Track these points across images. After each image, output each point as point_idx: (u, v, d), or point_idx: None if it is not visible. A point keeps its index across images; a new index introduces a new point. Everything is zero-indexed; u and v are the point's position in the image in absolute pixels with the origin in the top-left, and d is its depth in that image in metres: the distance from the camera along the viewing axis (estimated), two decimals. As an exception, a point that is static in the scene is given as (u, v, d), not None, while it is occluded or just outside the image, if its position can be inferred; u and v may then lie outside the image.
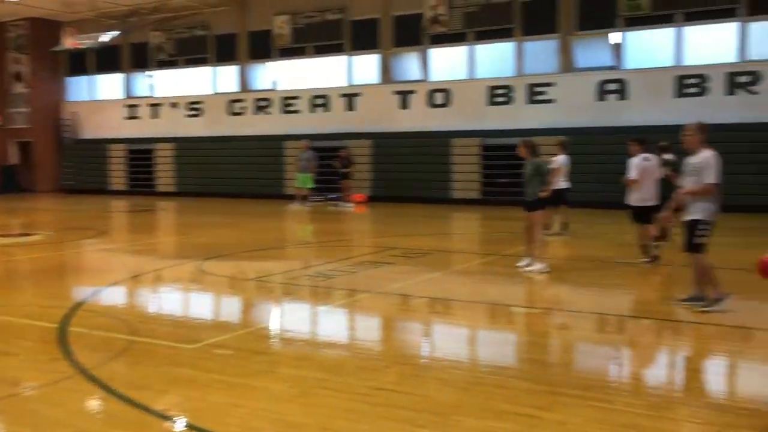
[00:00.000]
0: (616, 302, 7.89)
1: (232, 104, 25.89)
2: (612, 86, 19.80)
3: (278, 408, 4.35)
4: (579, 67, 20.35)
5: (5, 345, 5.92)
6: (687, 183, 7.02)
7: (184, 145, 26.47)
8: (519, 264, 9.65)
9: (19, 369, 5.14)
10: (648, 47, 19.79)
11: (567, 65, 20.51)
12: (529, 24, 20.96)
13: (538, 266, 9.35)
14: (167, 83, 27.65)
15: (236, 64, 25.88)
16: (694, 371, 5.51)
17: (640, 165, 9.79)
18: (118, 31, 24.28)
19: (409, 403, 4.42)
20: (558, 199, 13.32)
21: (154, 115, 27.49)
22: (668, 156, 11.48)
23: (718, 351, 5.98)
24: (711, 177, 6.78)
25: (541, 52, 21.02)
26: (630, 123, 19.02)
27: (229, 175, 25.21)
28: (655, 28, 19.60)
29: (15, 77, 29.73)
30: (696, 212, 6.90)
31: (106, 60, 28.07)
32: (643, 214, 9.80)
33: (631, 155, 10.02)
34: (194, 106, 26.76)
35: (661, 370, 5.55)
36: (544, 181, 9.66)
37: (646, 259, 9.91)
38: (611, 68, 19.96)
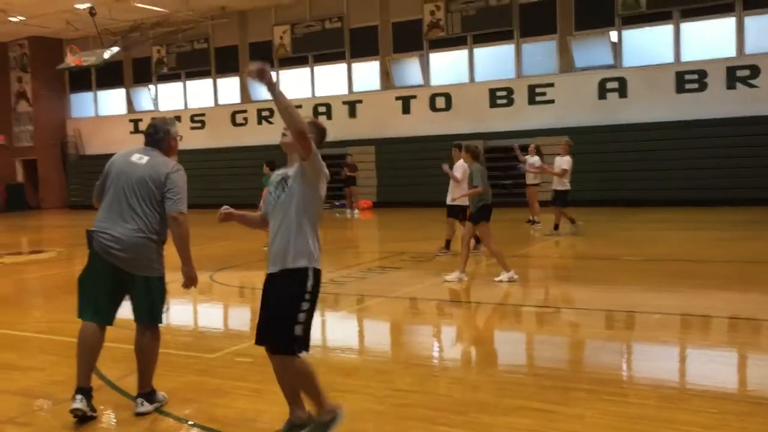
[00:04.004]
0: (625, 299, 8.01)
1: (235, 115, 26.10)
2: (612, 84, 19.95)
3: (301, 412, 4.47)
4: (578, 67, 20.50)
5: (29, 360, 6.07)
6: None
7: (188, 158, 26.54)
8: (497, 279, 8.85)
9: (47, 383, 5.27)
10: (646, 45, 19.95)
11: (566, 65, 20.67)
12: (527, 26, 21.15)
13: (506, 275, 8.77)
14: (169, 97, 27.89)
15: (237, 76, 26.10)
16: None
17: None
18: (120, 47, 24.48)
19: (429, 403, 4.55)
20: (565, 199, 13.40)
21: (158, 129, 27.73)
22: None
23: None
24: None
25: (540, 53, 21.20)
26: (631, 120, 19.19)
27: (233, 186, 25.40)
28: (653, 25, 19.77)
29: (19, 96, 30.02)
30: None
31: (109, 76, 28.34)
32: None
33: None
34: (197, 119, 26.98)
35: (671, 364, 5.66)
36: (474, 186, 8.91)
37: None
38: (610, 67, 20.11)
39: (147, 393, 4.57)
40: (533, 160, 14.95)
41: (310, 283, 3.74)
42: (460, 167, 11.02)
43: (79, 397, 4.35)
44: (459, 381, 5.05)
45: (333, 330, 7.10)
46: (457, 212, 11.13)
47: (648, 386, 4.81)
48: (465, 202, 10.14)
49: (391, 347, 6.42)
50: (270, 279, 3.84)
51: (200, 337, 6.79)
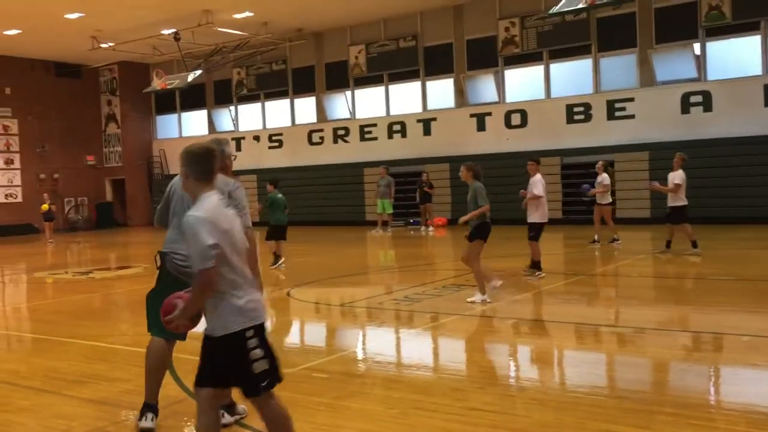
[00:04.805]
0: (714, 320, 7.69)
1: (312, 134, 26.58)
2: (696, 98, 19.32)
3: (378, 428, 4.48)
4: (660, 81, 19.94)
5: (117, 371, 6.30)
6: None
7: (266, 176, 27.22)
8: (469, 300, 8.85)
9: (132, 393, 5.46)
10: (732, 56, 19.24)
11: (647, 79, 20.15)
12: (605, 40, 20.76)
13: (479, 297, 8.75)
14: (249, 117, 28.68)
15: (314, 96, 26.60)
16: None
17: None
18: (203, 70, 25.37)
19: (505, 423, 4.48)
20: (684, 215, 12.82)
21: (238, 149, 28.49)
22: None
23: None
24: None
25: (619, 68, 20.76)
26: (716, 135, 18.53)
27: (310, 204, 25.80)
28: (739, 36, 19.07)
29: (108, 118, 31.50)
30: None
31: (192, 98, 29.37)
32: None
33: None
34: (275, 138, 27.61)
35: (762, 388, 5.40)
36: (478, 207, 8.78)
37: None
38: (694, 80, 19.48)
39: (227, 405, 4.68)
40: (601, 178, 14.51)
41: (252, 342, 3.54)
42: (538, 182, 10.83)
43: (150, 415, 4.51)
44: (537, 401, 4.95)
45: (407, 347, 7.08)
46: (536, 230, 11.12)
47: (737, 411, 4.60)
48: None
49: (466, 365, 6.35)
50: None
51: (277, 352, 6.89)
